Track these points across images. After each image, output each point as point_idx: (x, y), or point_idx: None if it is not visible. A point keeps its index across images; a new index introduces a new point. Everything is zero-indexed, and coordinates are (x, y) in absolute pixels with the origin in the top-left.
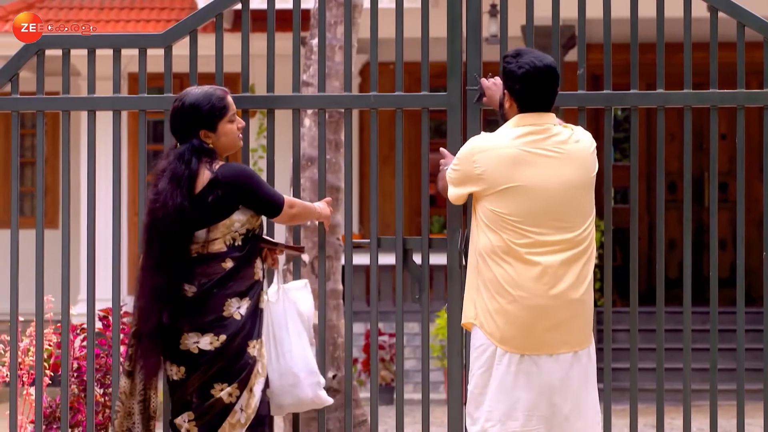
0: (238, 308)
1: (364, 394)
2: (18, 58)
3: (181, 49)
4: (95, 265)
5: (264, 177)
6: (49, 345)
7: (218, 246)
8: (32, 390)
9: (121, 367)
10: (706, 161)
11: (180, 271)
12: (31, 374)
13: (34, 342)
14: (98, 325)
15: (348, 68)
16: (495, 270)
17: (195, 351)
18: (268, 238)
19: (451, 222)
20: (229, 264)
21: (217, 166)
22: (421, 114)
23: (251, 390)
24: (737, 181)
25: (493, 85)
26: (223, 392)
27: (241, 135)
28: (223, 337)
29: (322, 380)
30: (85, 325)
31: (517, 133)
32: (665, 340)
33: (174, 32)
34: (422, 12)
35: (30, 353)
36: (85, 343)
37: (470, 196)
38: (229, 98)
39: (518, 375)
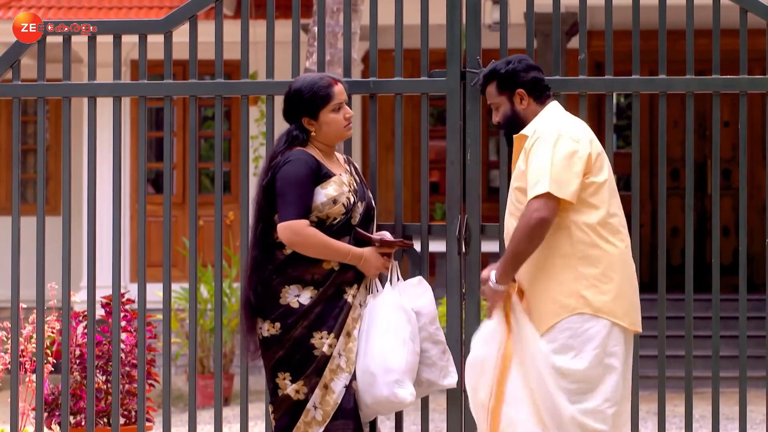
0: (296, 296)
1: None
2: (19, 45)
3: (182, 35)
4: (96, 251)
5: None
6: (52, 332)
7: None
8: (34, 377)
9: None
10: (708, 148)
11: (265, 253)
12: (33, 361)
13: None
14: (101, 312)
15: (347, 54)
16: (605, 247)
17: (260, 337)
18: (361, 231)
19: (450, 209)
20: (288, 251)
21: (291, 154)
22: (421, 99)
23: (326, 386)
24: (740, 167)
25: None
26: (290, 388)
27: (348, 124)
28: (278, 325)
29: (404, 378)
30: (87, 312)
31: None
32: (667, 327)
33: (174, 18)
34: None
35: (32, 340)
36: (87, 330)
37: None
38: (337, 88)
39: (629, 352)
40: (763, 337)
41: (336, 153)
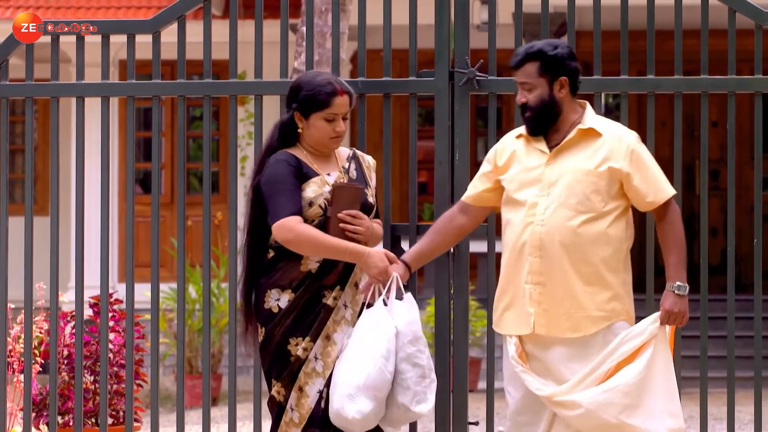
0: (276, 300)
1: None
2: (7, 45)
3: (171, 35)
4: (84, 252)
5: (251, 163)
6: (40, 332)
7: (267, 233)
8: (22, 377)
9: None
10: (696, 148)
11: (254, 256)
12: (21, 361)
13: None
14: (89, 312)
15: (336, 54)
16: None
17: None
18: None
19: (438, 209)
20: (270, 254)
21: (272, 158)
22: (409, 100)
23: (301, 389)
24: (728, 168)
25: None
26: (274, 389)
27: (336, 137)
28: (262, 330)
29: (357, 394)
30: (75, 312)
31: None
32: None
33: (162, 18)
34: None
35: (20, 341)
36: (75, 331)
37: (620, 185)
38: (338, 99)
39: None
40: (751, 338)
41: (339, 149)
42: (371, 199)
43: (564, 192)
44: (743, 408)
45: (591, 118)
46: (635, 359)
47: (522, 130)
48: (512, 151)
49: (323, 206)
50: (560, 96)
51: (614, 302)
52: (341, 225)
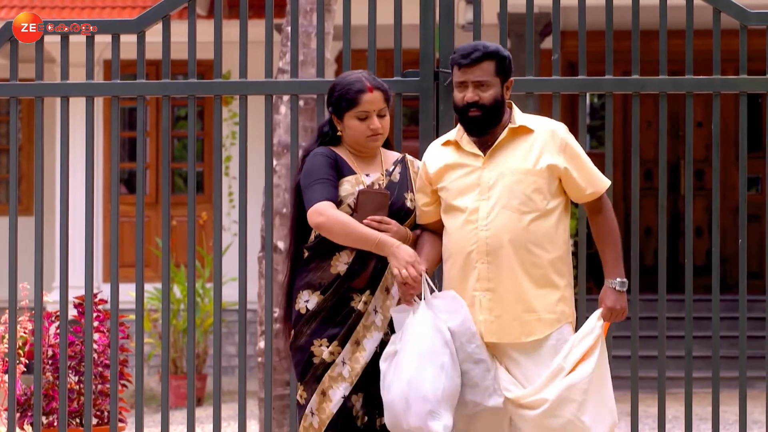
0: (306, 302)
1: None
2: None
3: (155, 35)
4: (68, 251)
5: (236, 163)
6: (24, 332)
7: (308, 235)
8: (6, 377)
9: None
10: (681, 148)
11: (295, 257)
12: (6, 362)
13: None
14: (74, 312)
15: (321, 54)
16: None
17: None
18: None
19: None
20: (306, 254)
21: (311, 153)
22: (394, 99)
23: (324, 393)
24: (713, 168)
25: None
26: (298, 393)
27: (373, 135)
28: (293, 332)
29: (439, 409)
30: (59, 313)
31: None
32: (640, 328)
33: (147, 18)
34: None
35: (4, 341)
36: (59, 331)
37: (559, 181)
38: (368, 96)
39: None
40: (736, 338)
41: (387, 152)
42: (409, 204)
43: (505, 194)
44: (728, 408)
45: (520, 116)
46: (588, 357)
47: (449, 137)
48: (442, 159)
49: (351, 205)
50: (506, 98)
51: (562, 304)
52: None
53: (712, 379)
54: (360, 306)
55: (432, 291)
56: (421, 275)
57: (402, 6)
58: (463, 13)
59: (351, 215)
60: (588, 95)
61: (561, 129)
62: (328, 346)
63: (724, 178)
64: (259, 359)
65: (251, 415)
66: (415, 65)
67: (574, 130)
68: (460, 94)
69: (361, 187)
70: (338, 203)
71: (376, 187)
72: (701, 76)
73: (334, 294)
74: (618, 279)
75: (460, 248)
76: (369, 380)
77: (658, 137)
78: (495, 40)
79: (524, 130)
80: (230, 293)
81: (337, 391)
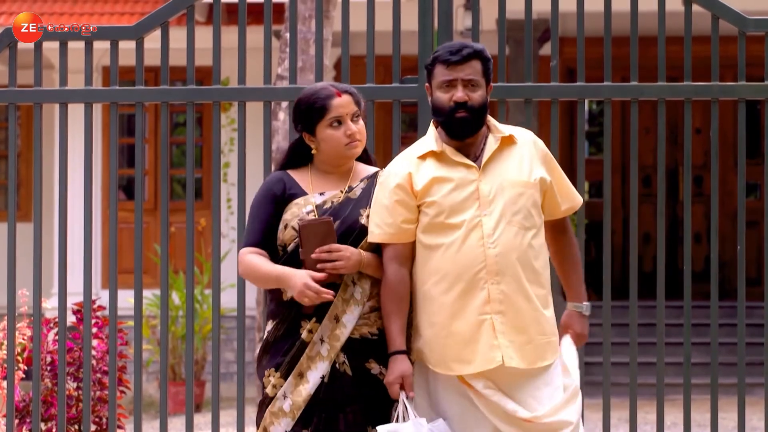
0: (268, 331)
1: None
2: None
3: (154, 42)
4: (67, 258)
5: (234, 170)
6: (23, 339)
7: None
8: (5, 384)
9: None
10: (680, 155)
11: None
12: (4, 368)
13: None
14: (72, 318)
15: (319, 61)
16: None
17: None
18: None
19: None
20: None
21: (273, 175)
22: (393, 106)
23: (265, 430)
24: (711, 174)
25: None
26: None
27: (351, 143)
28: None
29: None
30: (58, 319)
31: None
32: (639, 334)
33: (145, 24)
34: (393, 3)
35: (3, 347)
36: (58, 337)
37: (544, 197)
38: (337, 100)
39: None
40: (735, 344)
41: (362, 168)
42: (363, 220)
43: (509, 208)
44: (727, 415)
45: (499, 125)
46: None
47: (426, 147)
48: (428, 173)
49: (296, 228)
50: (487, 102)
51: (554, 326)
52: (318, 266)
53: (711, 386)
54: (305, 335)
55: (413, 415)
56: (319, 293)
57: (400, 12)
58: (461, 20)
59: (296, 237)
60: (587, 101)
61: (538, 139)
62: (272, 378)
63: (723, 185)
64: None
65: (249, 422)
66: (414, 71)
67: (572, 136)
68: (446, 95)
69: (309, 207)
70: (283, 228)
71: (329, 205)
72: (700, 83)
73: (283, 321)
74: (584, 303)
75: (462, 268)
76: (317, 413)
77: (657, 143)
78: (494, 46)
79: (511, 140)
80: (229, 300)
81: (277, 428)
